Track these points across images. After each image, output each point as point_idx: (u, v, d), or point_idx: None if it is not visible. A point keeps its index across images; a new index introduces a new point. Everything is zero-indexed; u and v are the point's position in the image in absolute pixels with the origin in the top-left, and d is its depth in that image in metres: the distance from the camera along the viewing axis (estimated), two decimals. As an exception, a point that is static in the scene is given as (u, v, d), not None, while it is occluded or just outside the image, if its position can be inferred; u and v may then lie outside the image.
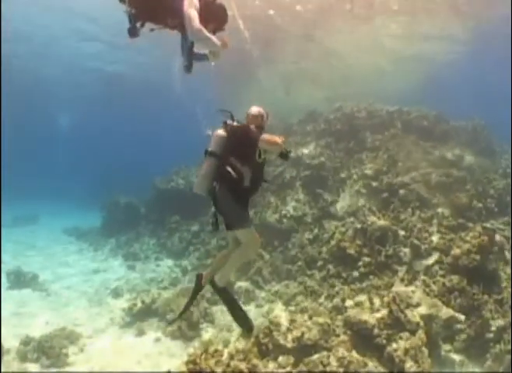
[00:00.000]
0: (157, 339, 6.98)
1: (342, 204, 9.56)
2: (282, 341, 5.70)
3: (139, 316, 7.63)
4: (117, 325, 7.48)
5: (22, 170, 32.51)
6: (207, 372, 4.95)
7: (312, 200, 10.15)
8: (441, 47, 14.30)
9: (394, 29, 12.67)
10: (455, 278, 6.27)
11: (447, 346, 5.65)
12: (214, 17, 3.25)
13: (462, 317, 5.60)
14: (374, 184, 9.08)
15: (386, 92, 13.49)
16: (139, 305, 7.74)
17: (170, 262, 11.14)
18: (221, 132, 3.41)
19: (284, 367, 5.37)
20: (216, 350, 5.48)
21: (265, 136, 3.27)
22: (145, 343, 6.86)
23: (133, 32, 3.15)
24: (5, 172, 23.88)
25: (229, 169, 3.35)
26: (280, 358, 5.48)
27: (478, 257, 6.22)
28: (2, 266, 9.89)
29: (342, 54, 14.83)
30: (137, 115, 29.47)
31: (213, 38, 3.10)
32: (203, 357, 5.12)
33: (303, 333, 5.84)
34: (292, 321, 6.09)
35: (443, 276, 6.57)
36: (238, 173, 3.33)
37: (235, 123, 3.44)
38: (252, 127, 3.39)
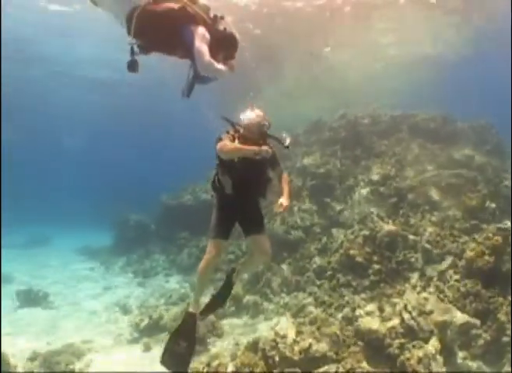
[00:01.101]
0: (164, 355, 6.83)
1: (351, 212, 9.35)
2: (288, 353, 5.49)
3: (147, 332, 7.53)
4: (125, 341, 7.40)
5: (34, 192, 33.35)
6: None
7: (320, 210, 9.98)
8: (445, 47, 14.12)
9: (394, 30, 12.61)
10: (470, 282, 5.98)
11: (463, 353, 5.33)
12: (224, 46, 3.21)
13: (478, 322, 5.30)
14: (382, 189, 8.87)
15: (390, 97, 13.37)
16: (146, 320, 7.65)
17: (179, 278, 11.06)
18: None
19: (290, 380, 5.14)
20: (220, 364, 5.32)
21: (218, 144, 3.22)
22: (152, 359, 6.72)
23: (133, 66, 2.99)
24: (5, 193, 24.42)
25: (215, 178, 3.43)
26: (286, 371, 5.26)
27: (492, 259, 5.92)
28: (13, 285, 10.03)
29: (344, 62, 14.83)
30: (144, 132, 29.93)
31: (222, 68, 3.08)
32: (205, 370, 4.97)
33: (310, 345, 5.61)
34: (299, 332, 5.88)
35: (457, 280, 6.26)
36: (219, 182, 3.38)
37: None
38: (224, 136, 3.32)
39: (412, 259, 7.13)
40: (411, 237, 7.47)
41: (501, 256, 5.91)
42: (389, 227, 7.68)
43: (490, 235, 6.26)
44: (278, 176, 3.59)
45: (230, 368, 5.47)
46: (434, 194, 8.19)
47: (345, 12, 11.64)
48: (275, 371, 5.39)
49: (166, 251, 12.64)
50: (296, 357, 5.45)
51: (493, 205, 7.27)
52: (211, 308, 4.02)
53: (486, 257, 5.96)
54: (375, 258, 7.44)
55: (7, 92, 18.45)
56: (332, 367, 5.29)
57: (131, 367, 6.35)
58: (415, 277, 6.88)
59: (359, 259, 7.52)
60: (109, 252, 14.11)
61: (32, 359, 6.17)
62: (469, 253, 6.27)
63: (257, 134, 3.36)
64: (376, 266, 7.27)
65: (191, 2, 3.09)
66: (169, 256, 12.25)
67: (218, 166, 3.42)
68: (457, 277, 6.34)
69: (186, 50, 3.05)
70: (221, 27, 3.22)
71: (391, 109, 11.55)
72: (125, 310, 8.80)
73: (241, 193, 3.35)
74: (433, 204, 8.10)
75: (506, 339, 5.14)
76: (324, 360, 5.56)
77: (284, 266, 9.07)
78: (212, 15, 3.20)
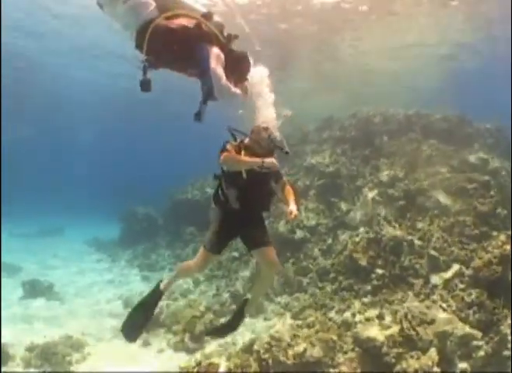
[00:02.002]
0: (160, 351, 6.87)
1: (357, 213, 9.12)
2: (281, 357, 5.39)
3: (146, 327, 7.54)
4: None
5: (49, 184, 34.25)
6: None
7: (326, 210, 9.78)
8: (465, 45, 13.58)
9: (413, 29, 12.16)
10: (475, 292, 5.73)
11: (462, 364, 5.12)
12: (237, 67, 3.06)
13: (479, 334, 5.07)
14: (390, 191, 8.61)
15: (407, 95, 13.00)
16: (145, 315, 7.66)
17: (183, 273, 11.07)
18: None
19: (281, 385, 5.05)
20: (211, 364, 5.27)
21: (222, 155, 3.06)
22: (149, 354, 6.77)
23: (146, 86, 2.85)
24: (22, 185, 24.86)
25: (218, 191, 3.32)
26: (278, 375, 5.17)
27: (499, 269, 5.65)
28: (21, 275, 10.24)
29: (361, 59, 14.47)
30: (154, 126, 30.05)
31: (237, 92, 2.97)
32: (195, 370, 4.93)
33: (305, 349, 5.50)
34: (294, 336, 5.77)
35: (462, 290, 6.02)
36: (224, 196, 3.26)
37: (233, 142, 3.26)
38: (229, 146, 3.17)
39: (417, 266, 6.90)
40: (417, 242, 7.23)
41: (509, 266, 5.64)
42: (395, 231, 7.46)
43: (499, 243, 6.00)
44: (282, 188, 3.45)
45: (222, 368, 5.41)
46: (444, 198, 7.88)
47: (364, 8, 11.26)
48: (267, 374, 5.32)
49: (172, 245, 12.69)
50: (289, 362, 5.34)
51: (505, 211, 6.94)
52: (218, 333, 4.12)
53: (494, 267, 5.70)
54: (379, 262, 7.24)
55: (20, 91, 18.91)
56: (325, 374, 5.18)
57: (127, 362, 6.39)
58: (418, 285, 6.65)
59: (362, 262, 7.33)
60: (117, 244, 14.28)
61: (30, 349, 6.25)
62: (477, 262, 6.02)
63: (266, 149, 3.18)
64: (380, 271, 7.08)
65: (206, 19, 2.93)
66: (174, 251, 12.29)
67: (222, 178, 3.28)
68: (462, 286, 6.10)
69: (197, 69, 2.93)
70: (234, 47, 3.07)
71: (406, 108, 11.18)
72: (127, 304, 8.84)
73: (246, 206, 3.23)
74: (443, 209, 7.80)
75: (507, 352, 4.90)
76: (318, 365, 5.44)
77: (287, 266, 8.94)
78: (226, 33, 3.03)
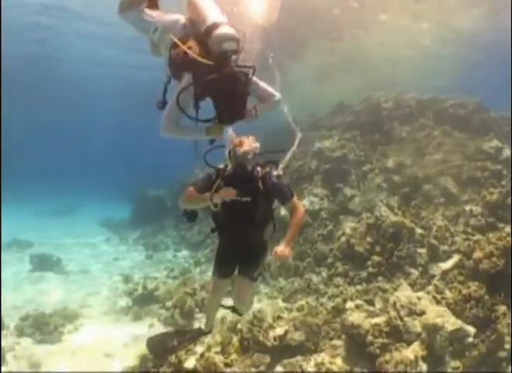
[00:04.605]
0: (151, 325, 6.94)
1: (361, 199, 8.83)
2: (261, 338, 5.29)
3: (141, 302, 7.68)
4: (119, 309, 7.59)
5: (69, 166, 35.28)
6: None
7: (331, 195, 9.52)
8: (486, 29, 12.68)
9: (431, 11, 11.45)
10: (473, 285, 5.38)
11: (455, 363, 4.82)
12: (220, 101, 2.68)
13: (472, 330, 4.76)
14: (396, 178, 8.25)
15: (424, 82, 12.32)
16: (140, 290, 7.78)
17: (186, 253, 11.16)
18: None
19: (257, 366, 4.95)
20: (188, 340, 5.23)
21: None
22: (138, 328, 6.84)
23: (161, 105, 2.88)
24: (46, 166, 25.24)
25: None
26: (255, 356, 5.07)
27: (501, 262, 5.28)
28: (31, 250, 10.59)
29: (378, 45, 13.83)
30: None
31: (190, 134, 2.85)
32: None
33: (286, 332, 5.37)
34: (278, 318, 5.65)
35: (461, 282, 5.69)
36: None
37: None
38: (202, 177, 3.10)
39: (416, 255, 6.59)
40: (418, 230, 6.89)
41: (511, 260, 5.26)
42: (396, 217, 7.14)
43: (504, 234, 5.60)
44: (291, 211, 3.01)
45: (204, 345, 5.40)
46: (452, 186, 7.46)
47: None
48: (246, 354, 5.24)
49: (179, 227, 12.77)
50: (269, 343, 5.24)
51: (516, 202, 6.48)
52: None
53: (494, 259, 5.33)
54: (377, 249, 6.98)
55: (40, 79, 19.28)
56: (304, 359, 5.02)
57: (115, 335, 6.49)
58: (415, 274, 6.36)
59: (359, 248, 7.10)
60: (127, 224, 14.57)
61: (24, 319, 6.44)
62: (478, 253, 5.65)
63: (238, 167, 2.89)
64: (377, 258, 6.83)
65: (208, 33, 2.64)
66: (180, 232, 12.38)
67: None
68: (461, 278, 5.75)
69: None
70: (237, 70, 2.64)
71: (420, 93, 10.62)
72: (127, 280, 9.00)
73: (234, 235, 3.11)
74: (450, 197, 7.40)
75: (502, 353, 4.56)
76: (299, 349, 5.31)
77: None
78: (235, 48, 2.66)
